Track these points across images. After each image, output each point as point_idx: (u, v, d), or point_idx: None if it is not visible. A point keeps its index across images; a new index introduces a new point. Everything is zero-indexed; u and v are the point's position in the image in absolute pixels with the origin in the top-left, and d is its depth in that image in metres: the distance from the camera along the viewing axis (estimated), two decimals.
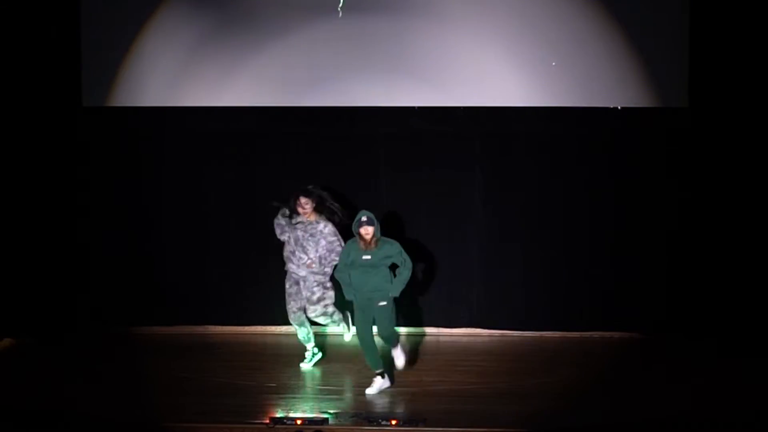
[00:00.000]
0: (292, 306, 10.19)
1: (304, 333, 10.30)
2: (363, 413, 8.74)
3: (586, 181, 11.50)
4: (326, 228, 10.10)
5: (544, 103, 11.25)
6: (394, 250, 9.47)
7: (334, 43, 11.31)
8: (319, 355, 10.38)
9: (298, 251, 10.12)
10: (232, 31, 11.38)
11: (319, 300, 10.16)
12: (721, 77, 11.05)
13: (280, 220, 10.25)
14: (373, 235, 9.42)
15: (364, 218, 9.42)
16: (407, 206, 11.49)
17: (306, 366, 10.26)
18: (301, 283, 10.16)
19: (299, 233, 10.13)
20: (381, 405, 9.22)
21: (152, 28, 11.44)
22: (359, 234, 9.43)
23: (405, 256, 9.49)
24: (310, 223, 10.12)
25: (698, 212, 11.26)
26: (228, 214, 11.75)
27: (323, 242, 10.08)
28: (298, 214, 10.13)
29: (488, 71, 11.23)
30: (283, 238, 10.24)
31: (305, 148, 11.68)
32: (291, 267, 10.19)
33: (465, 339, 11.64)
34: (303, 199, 10.10)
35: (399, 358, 9.77)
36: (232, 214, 11.74)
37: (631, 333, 11.52)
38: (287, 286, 10.22)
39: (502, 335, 11.70)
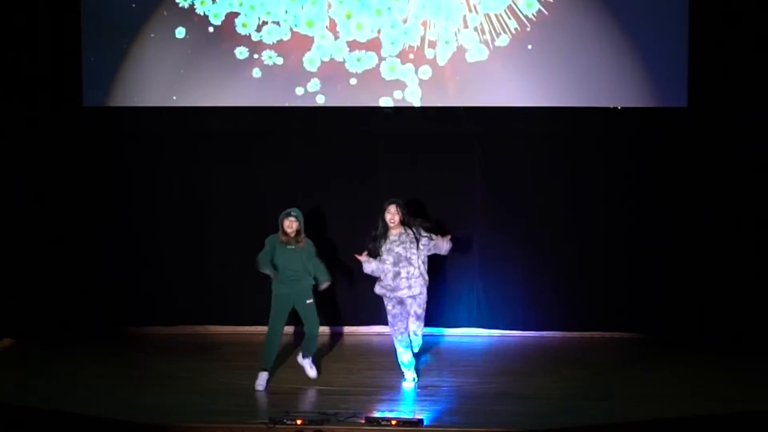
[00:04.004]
0: (399, 327, 9.69)
1: (410, 356, 9.76)
2: (363, 413, 8.74)
3: (586, 180, 11.50)
4: (421, 231, 9.74)
5: (544, 103, 11.26)
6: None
7: (334, 42, 11.32)
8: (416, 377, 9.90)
9: (405, 270, 9.64)
10: (232, 30, 11.38)
11: (424, 318, 9.79)
12: (721, 77, 11.05)
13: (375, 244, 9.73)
14: (298, 231, 9.63)
15: (292, 213, 9.63)
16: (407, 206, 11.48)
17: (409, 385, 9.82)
18: (410, 301, 9.67)
19: (398, 249, 9.68)
20: (381, 405, 9.22)
21: (152, 28, 11.44)
22: (283, 226, 9.62)
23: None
24: (402, 234, 9.67)
25: (698, 212, 11.25)
26: (228, 214, 11.75)
27: (422, 247, 9.67)
28: (387, 232, 9.67)
29: (488, 71, 11.24)
30: (373, 266, 9.66)
31: (305, 148, 11.68)
32: (401, 293, 9.62)
33: (465, 339, 11.64)
34: (393, 207, 9.68)
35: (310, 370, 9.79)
36: (232, 213, 11.74)
37: (631, 333, 11.52)
38: (389, 307, 9.68)
39: (503, 335, 11.70)
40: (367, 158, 11.67)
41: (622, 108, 11.23)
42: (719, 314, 11.15)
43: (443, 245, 9.74)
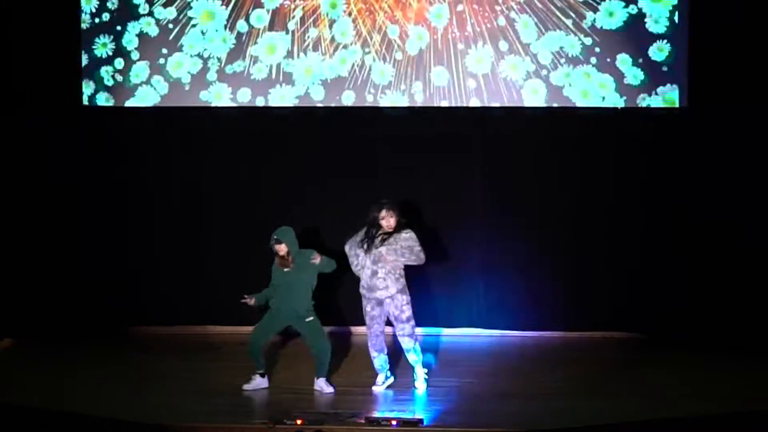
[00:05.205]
0: (375, 329, 9.65)
1: (382, 360, 9.73)
2: (363, 413, 8.74)
3: (586, 181, 11.49)
4: (406, 234, 9.59)
5: (545, 103, 11.26)
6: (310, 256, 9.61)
7: (334, 43, 11.33)
8: (392, 378, 9.84)
9: (382, 269, 9.51)
10: (232, 30, 11.39)
11: (408, 319, 9.61)
12: (721, 77, 11.05)
13: (356, 250, 9.61)
14: (288, 252, 9.55)
15: (274, 236, 9.58)
16: (407, 206, 11.47)
17: (379, 388, 9.75)
18: (387, 302, 9.58)
19: (381, 249, 9.53)
20: (381, 405, 9.22)
21: (152, 28, 11.45)
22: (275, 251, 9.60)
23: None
24: (390, 235, 9.55)
25: (698, 212, 11.25)
26: (228, 214, 11.75)
27: (399, 246, 9.53)
28: (379, 229, 9.55)
29: (488, 71, 11.24)
30: (359, 269, 9.63)
31: (305, 148, 11.68)
32: (378, 293, 9.54)
33: (465, 339, 11.63)
34: (384, 212, 9.54)
35: (325, 387, 9.61)
36: (232, 213, 11.74)
37: (631, 333, 11.51)
38: (368, 308, 9.63)
39: (502, 335, 11.70)
40: (367, 158, 11.66)
41: (622, 108, 11.24)
42: (719, 314, 11.13)
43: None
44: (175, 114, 11.58)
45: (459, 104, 11.33)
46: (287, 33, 11.34)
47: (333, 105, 11.40)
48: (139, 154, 11.72)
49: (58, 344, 11.21)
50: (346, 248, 9.72)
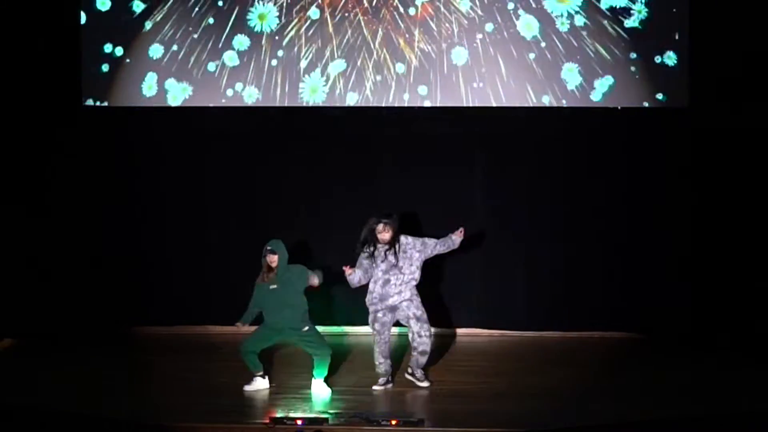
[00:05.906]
0: (385, 336, 9.65)
1: (388, 365, 9.69)
2: (363, 413, 8.74)
3: (586, 181, 11.51)
4: (407, 239, 9.64)
5: (545, 103, 11.26)
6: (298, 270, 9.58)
7: (334, 43, 11.33)
8: (392, 385, 9.76)
9: (395, 276, 9.56)
10: (231, 30, 11.40)
11: (427, 320, 9.61)
12: (721, 77, 11.06)
13: (363, 265, 9.60)
14: (277, 266, 9.56)
15: (268, 247, 9.55)
16: (407, 206, 11.49)
17: (379, 389, 9.69)
18: (405, 305, 9.56)
19: (390, 259, 9.55)
20: (381, 405, 9.23)
21: (152, 28, 11.46)
22: (266, 262, 9.58)
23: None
24: (390, 247, 9.55)
25: (698, 212, 11.26)
26: (228, 214, 11.76)
27: (416, 253, 9.61)
28: (376, 243, 9.55)
29: (488, 71, 11.25)
30: (366, 280, 9.60)
31: (305, 148, 11.69)
32: (391, 300, 9.54)
33: (465, 339, 11.64)
34: (380, 226, 9.52)
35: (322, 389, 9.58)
36: (232, 213, 11.76)
37: (631, 333, 11.52)
38: (380, 314, 9.58)
39: (502, 335, 11.71)
40: (367, 158, 11.67)
41: (622, 108, 11.25)
42: (719, 314, 11.15)
43: (457, 240, 9.68)
44: (176, 114, 11.58)
45: (459, 104, 11.35)
46: (289, 36, 11.38)
47: (333, 105, 11.41)
48: (139, 155, 11.73)
49: (58, 344, 11.22)
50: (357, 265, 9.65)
